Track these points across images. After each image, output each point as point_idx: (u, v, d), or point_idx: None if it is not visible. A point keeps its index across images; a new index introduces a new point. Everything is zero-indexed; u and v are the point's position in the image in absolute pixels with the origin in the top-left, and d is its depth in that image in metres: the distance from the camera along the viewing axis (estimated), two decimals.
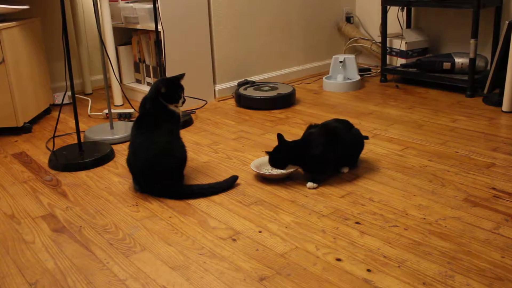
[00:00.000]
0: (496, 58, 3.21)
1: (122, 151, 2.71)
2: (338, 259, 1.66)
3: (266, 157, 2.41)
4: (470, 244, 1.72)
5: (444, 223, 1.85)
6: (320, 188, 2.18)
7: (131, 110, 3.23)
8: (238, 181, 2.29)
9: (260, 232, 1.86)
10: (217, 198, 2.14)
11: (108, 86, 3.61)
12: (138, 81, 3.76)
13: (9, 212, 2.11)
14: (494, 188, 2.10)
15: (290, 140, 2.24)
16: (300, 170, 2.36)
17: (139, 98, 3.66)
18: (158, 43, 3.08)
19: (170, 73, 3.28)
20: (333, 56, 3.87)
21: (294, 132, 2.87)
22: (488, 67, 3.51)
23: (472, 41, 3.27)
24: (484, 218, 1.87)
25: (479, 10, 3.22)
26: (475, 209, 1.94)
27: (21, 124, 3.03)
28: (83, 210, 2.09)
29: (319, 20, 4.21)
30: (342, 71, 3.81)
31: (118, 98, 3.54)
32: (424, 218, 1.89)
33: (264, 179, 2.30)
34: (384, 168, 2.35)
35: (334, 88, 3.74)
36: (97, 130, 2.93)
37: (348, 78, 3.81)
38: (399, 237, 1.78)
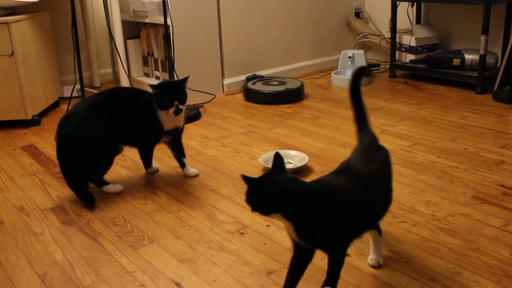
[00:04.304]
0: (506, 54, 3.19)
1: None
2: (346, 254, 1.66)
3: (274, 152, 2.41)
4: (479, 241, 1.71)
5: (452, 220, 1.85)
6: None
7: None
8: (246, 175, 2.29)
9: (268, 226, 1.87)
10: (225, 191, 2.14)
11: (116, 80, 3.63)
12: (147, 74, 3.76)
13: (18, 204, 2.12)
14: (503, 185, 2.09)
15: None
16: (308, 165, 2.35)
17: None
18: (167, 37, 3.08)
19: (178, 67, 3.28)
20: (342, 52, 3.86)
21: (303, 127, 2.87)
22: (499, 64, 3.49)
23: (482, 37, 3.24)
24: (493, 215, 1.87)
25: (490, 6, 3.20)
26: (483, 206, 1.93)
27: (30, 116, 3.04)
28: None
29: (328, 15, 4.19)
30: (351, 67, 3.80)
31: None
32: (433, 215, 1.89)
33: None
34: (392, 164, 2.34)
35: (343, 84, 3.73)
36: None
37: None
38: (407, 233, 1.77)
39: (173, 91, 2.07)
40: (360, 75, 1.58)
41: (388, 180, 1.51)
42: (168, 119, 2.12)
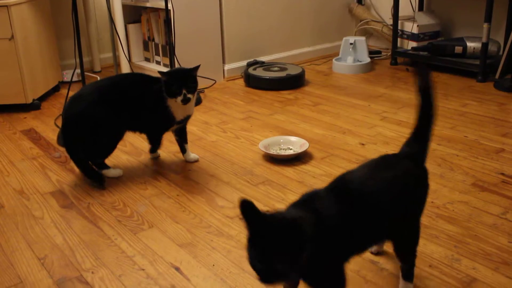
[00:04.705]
0: (509, 43, 3.18)
1: None
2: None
3: (275, 137, 2.41)
4: (477, 229, 1.71)
5: (451, 207, 1.85)
6: (328, 169, 2.18)
7: None
8: (246, 160, 2.29)
9: (268, 211, 1.86)
10: (225, 177, 2.15)
11: (117, 64, 3.61)
12: (147, 59, 3.75)
13: (18, 188, 2.12)
14: (502, 174, 2.09)
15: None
16: (308, 151, 2.36)
17: None
18: (167, 22, 3.06)
19: (179, 52, 3.27)
20: (344, 38, 3.84)
21: (303, 113, 2.86)
22: (501, 52, 3.47)
23: (485, 25, 3.22)
24: (492, 203, 1.87)
25: None
26: (483, 194, 1.94)
27: (30, 101, 3.03)
28: (91, 187, 2.10)
29: (330, 1, 4.16)
30: (352, 53, 3.78)
31: None
32: (432, 202, 1.89)
33: (272, 159, 2.30)
34: (392, 151, 2.33)
35: (344, 70, 3.72)
36: None
37: (358, 60, 3.78)
38: None
39: (182, 79, 2.05)
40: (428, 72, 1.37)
41: (394, 203, 1.24)
42: (178, 107, 2.11)
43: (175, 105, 2.10)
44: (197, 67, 2.10)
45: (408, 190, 1.27)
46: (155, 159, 2.36)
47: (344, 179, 1.24)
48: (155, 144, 2.33)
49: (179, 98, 2.05)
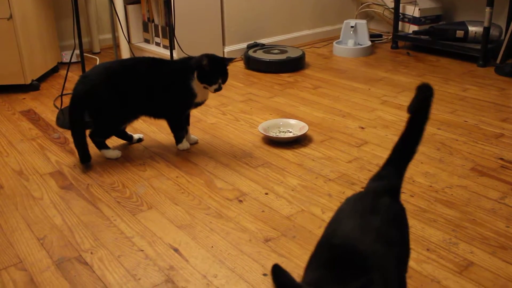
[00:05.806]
0: (511, 27, 3.16)
1: None
2: None
3: (274, 120, 2.41)
4: (476, 213, 1.72)
5: (450, 191, 1.85)
6: (328, 152, 2.18)
7: None
8: (245, 143, 2.29)
9: (266, 194, 1.87)
10: (224, 159, 2.15)
11: (116, 45, 3.59)
12: (147, 40, 3.72)
13: (17, 169, 2.12)
14: (502, 159, 2.09)
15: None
16: (308, 134, 2.35)
17: None
18: (167, 3, 3.03)
19: (179, 33, 3.24)
20: (344, 21, 3.81)
21: (303, 96, 2.85)
22: (502, 37, 3.45)
23: (487, 9, 3.20)
24: (491, 188, 1.87)
25: None
26: (482, 179, 1.94)
27: (29, 81, 3.02)
28: (90, 168, 2.10)
29: None
30: (353, 36, 3.76)
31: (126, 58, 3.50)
32: (431, 186, 1.89)
33: (271, 141, 2.29)
34: (392, 134, 2.34)
35: (344, 53, 3.70)
36: None
37: (358, 44, 3.75)
38: (405, 203, 1.76)
39: (221, 68, 2.08)
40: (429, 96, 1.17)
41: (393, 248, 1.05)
42: (201, 91, 2.13)
43: (199, 89, 2.11)
44: (232, 59, 2.17)
45: (398, 232, 1.10)
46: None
47: (337, 238, 1.01)
48: (177, 130, 2.24)
49: (214, 87, 2.08)
